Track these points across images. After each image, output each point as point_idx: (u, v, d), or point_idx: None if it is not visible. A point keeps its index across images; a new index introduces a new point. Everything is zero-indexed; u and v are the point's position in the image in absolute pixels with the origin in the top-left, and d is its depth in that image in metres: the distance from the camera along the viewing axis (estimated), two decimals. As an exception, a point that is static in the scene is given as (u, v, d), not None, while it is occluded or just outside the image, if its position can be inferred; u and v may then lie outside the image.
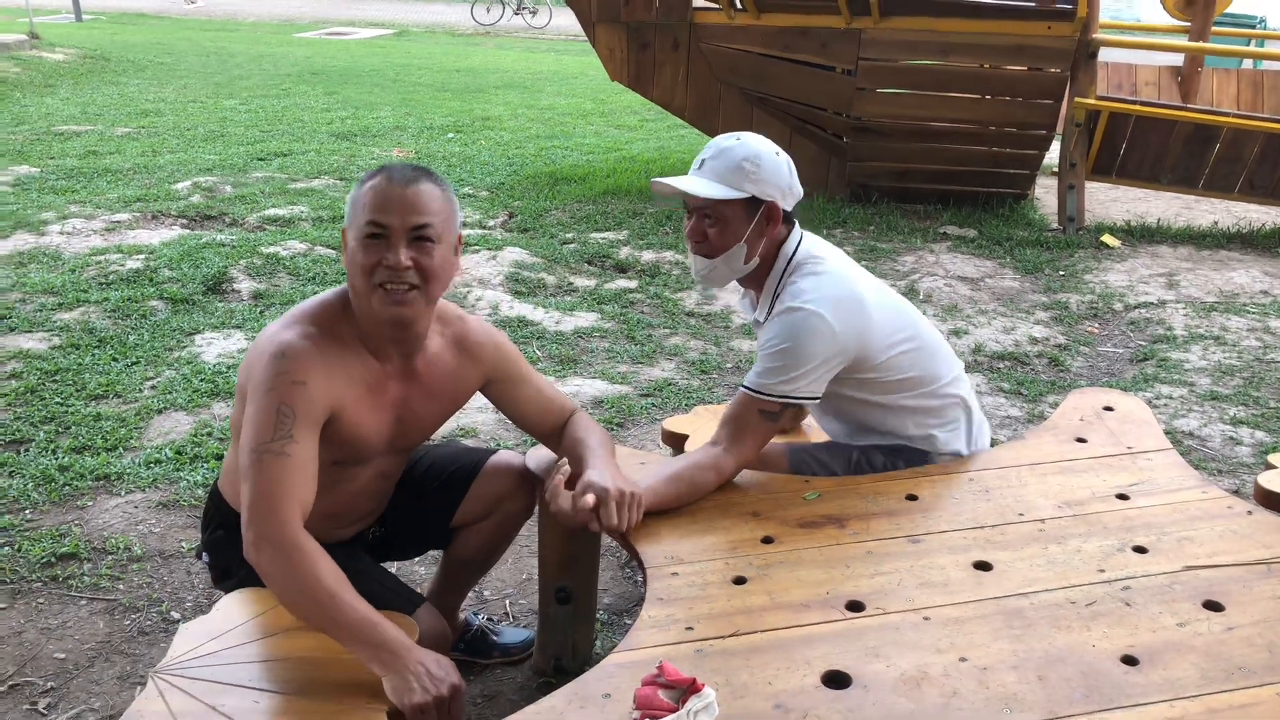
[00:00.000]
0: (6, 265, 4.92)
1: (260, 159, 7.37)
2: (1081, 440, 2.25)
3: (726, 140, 2.07)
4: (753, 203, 2.05)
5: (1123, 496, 2.02)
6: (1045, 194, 6.79)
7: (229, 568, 1.97)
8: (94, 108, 9.32)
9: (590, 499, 1.84)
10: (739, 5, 5.93)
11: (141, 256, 5.00)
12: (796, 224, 2.17)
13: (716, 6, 6.05)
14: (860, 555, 1.83)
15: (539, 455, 2.17)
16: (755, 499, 2.01)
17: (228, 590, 1.96)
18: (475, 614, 2.41)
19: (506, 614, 2.57)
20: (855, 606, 1.69)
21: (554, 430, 2.09)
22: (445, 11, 24.24)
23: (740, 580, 1.75)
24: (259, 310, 4.44)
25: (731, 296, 4.81)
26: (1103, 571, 1.78)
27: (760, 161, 2.03)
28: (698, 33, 6.16)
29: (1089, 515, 1.96)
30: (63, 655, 2.37)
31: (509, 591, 2.66)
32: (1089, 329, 4.60)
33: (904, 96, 6.02)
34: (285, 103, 9.97)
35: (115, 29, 17.81)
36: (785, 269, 2.12)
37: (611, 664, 1.55)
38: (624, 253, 5.37)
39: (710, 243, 2.08)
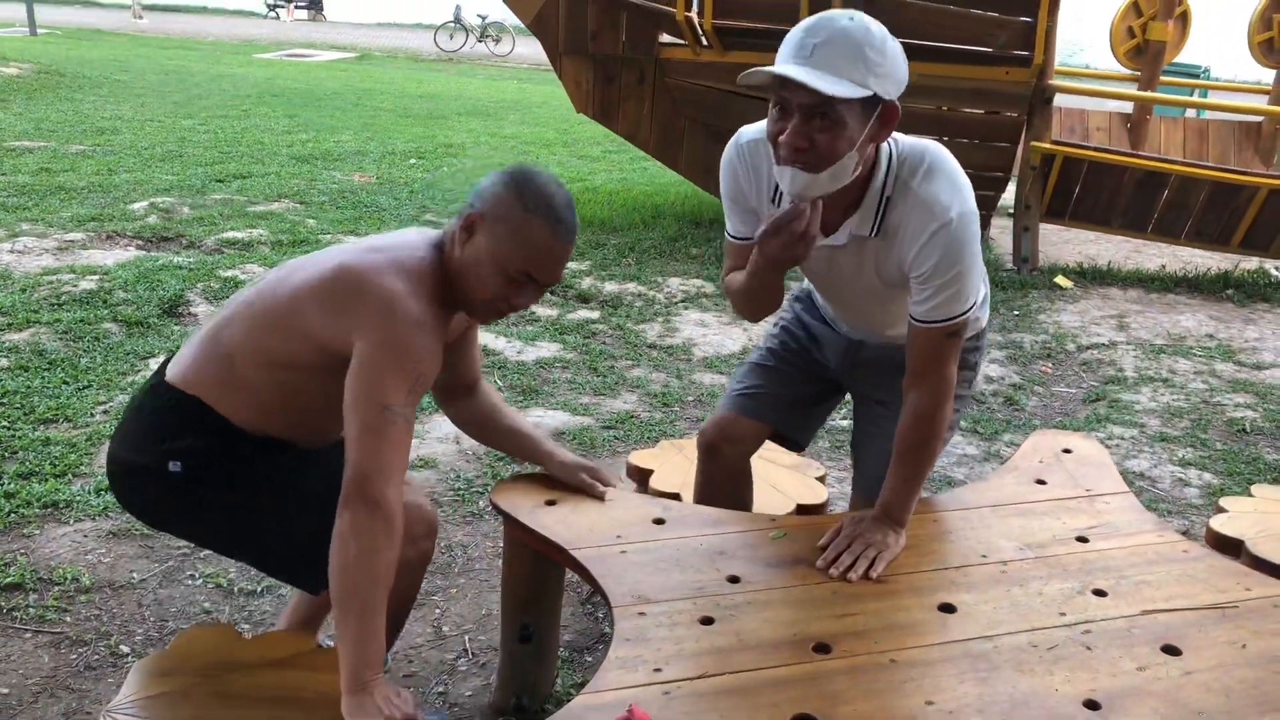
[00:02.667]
0: (-46, 283, 4.81)
1: (219, 180, 7.30)
2: (1041, 482, 2.28)
3: (839, 19, 1.69)
4: (871, 101, 1.71)
5: (1082, 539, 2.05)
6: (1001, 234, 6.91)
7: (203, 479, 1.83)
8: (48, 124, 9.17)
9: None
10: (704, 42, 6.00)
11: (95, 277, 4.91)
12: None
13: (683, 42, 6.11)
14: (826, 596, 1.84)
15: (509, 495, 2.13)
16: (720, 538, 2.01)
17: (176, 511, 1.86)
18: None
19: (466, 650, 2.54)
20: (822, 649, 1.69)
21: (470, 386, 2.14)
22: (407, 37, 24.23)
23: (708, 620, 1.75)
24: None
25: (694, 329, 4.83)
26: (1064, 615, 1.80)
27: (885, 50, 1.70)
28: (664, 67, 6.22)
29: (1050, 557, 1.98)
30: (5, 690, 2.30)
31: (468, 628, 2.63)
32: (1043, 369, 4.68)
33: (864, 136, 6.10)
34: (245, 124, 9.89)
35: (71, 44, 17.59)
36: (889, 170, 1.85)
37: (579, 705, 1.54)
38: (586, 283, 5.38)
39: (819, 151, 1.71)
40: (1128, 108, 8.01)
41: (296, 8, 28.30)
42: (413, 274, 1.75)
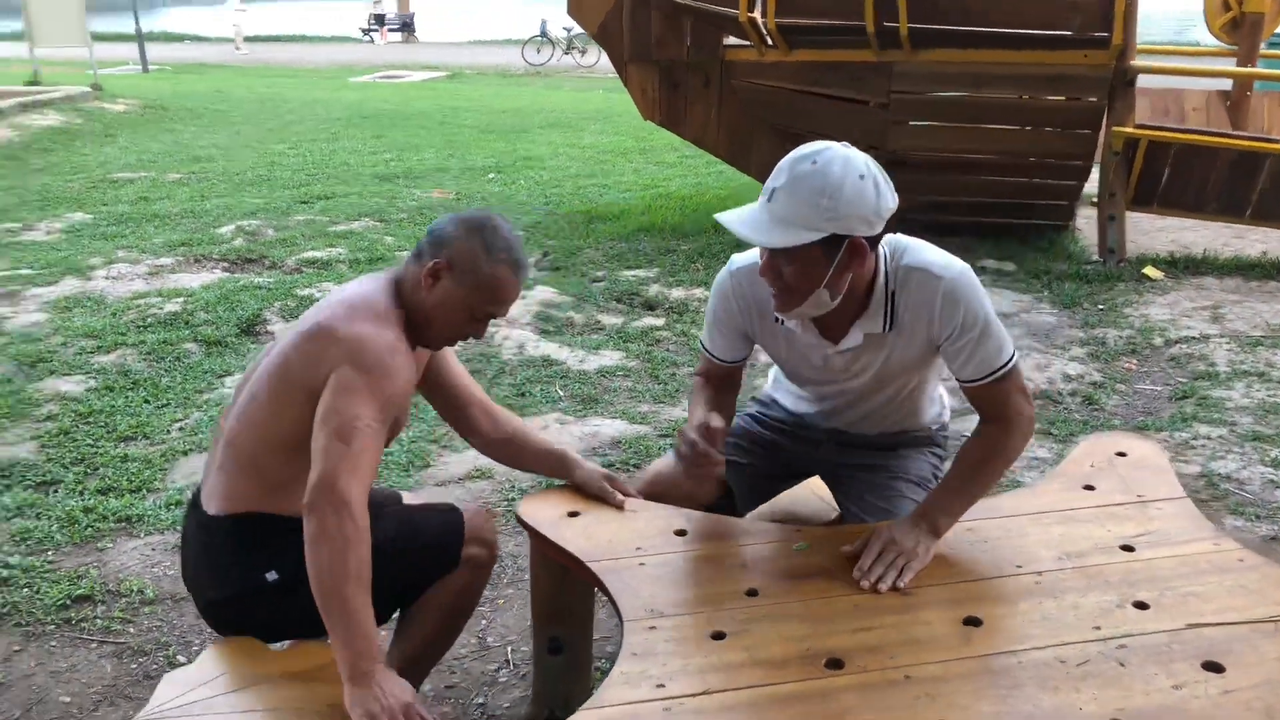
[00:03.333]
0: (51, 310, 5.06)
1: (304, 202, 7.52)
2: (1089, 488, 2.17)
3: (803, 164, 1.77)
4: (834, 239, 1.79)
5: (1127, 548, 1.95)
6: (1088, 225, 6.66)
7: (300, 572, 1.82)
8: (149, 155, 9.60)
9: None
10: (769, 42, 5.93)
11: (180, 300, 5.11)
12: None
13: (747, 43, 6.06)
14: (847, 610, 1.78)
15: (533, 508, 2.13)
16: (744, 550, 1.97)
17: (293, 613, 1.87)
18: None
19: (508, 661, 2.55)
20: (835, 664, 1.64)
21: (486, 414, 2.20)
22: (496, 53, 24.65)
23: (719, 635, 1.71)
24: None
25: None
26: (1098, 629, 1.71)
27: (840, 194, 1.74)
28: (729, 70, 6.17)
29: (1090, 568, 1.89)
30: (68, 699, 2.39)
31: (512, 639, 2.64)
32: (1126, 365, 4.48)
33: (938, 129, 5.97)
34: (333, 146, 10.18)
35: (178, 79, 18.40)
36: (888, 275, 1.93)
37: (579, 722, 1.52)
38: (653, 290, 5.36)
39: (788, 285, 1.85)
40: (1228, 85, 7.63)
41: (390, 31, 29.06)
42: (379, 317, 1.88)
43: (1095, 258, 5.95)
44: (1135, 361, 4.53)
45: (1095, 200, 6.18)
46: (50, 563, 2.93)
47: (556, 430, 3.74)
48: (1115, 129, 5.58)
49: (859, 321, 1.97)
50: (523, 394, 4.07)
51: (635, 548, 1.97)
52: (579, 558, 1.94)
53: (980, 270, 5.70)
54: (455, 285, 1.90)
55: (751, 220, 1.82)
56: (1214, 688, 1.57)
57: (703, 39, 6.14)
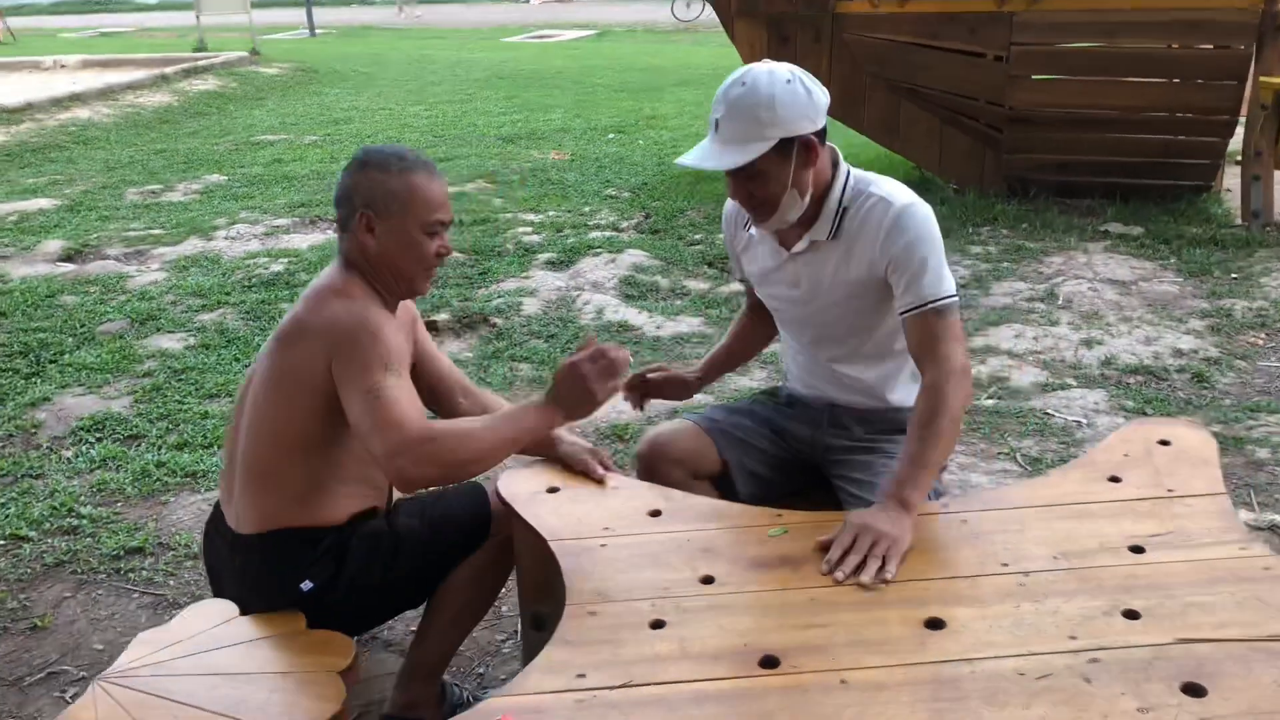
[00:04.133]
0: (171, 269, 5.34)
1: (424, 164, 7.67)
2: (1115, 479, 1.98)
3: (733, 89, 1.89)
4: (784, 143, 1.89)
5: (1137, 549, 1.76)
6: (1231, 184, 6.10)
7: (335, 577, 1.94)
8: (291, 118, 10.00)
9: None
10: (882, -7, 5.65)
11: (286, 260, 5.30)
12: (833, 152, 2.03)
13: (859, -5, 5.80)
14: (802, 602, 1.67)
15: (512, 482, 2.10)
16: (715, 534, 1.88)
17: (338, 615, 1.94)
18: (457, 686, 2.30)
19: (516, 632, 2.54)
20: (769, 663, 1.54)
21: (466, 395, 2.22)
22: (648, 10, 24.50)
23: (659, 624, 1.64)
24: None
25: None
26: (1074, 639, 1.55)
27: (774, 102, 1.86)
28: (841, 23, 5.92)
29: (1086, 570, 1.71)
30: (101, 647, 2.52)
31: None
32: (1251, 340, 4.09)
33: (1062, 83, 5.57)
34: (466, 107, 10.35)
35: (339, 42, 19.08)
36: (845, 187, 2.03)
37: (485, 708, 1.48)
38: (748, 254, 5.22)
39: (760, 201, 1.97)
40: None
41: (545, -10, 29.28)
42: (339, 293, 1.88)
43: (1239, 222, 5.44)
44: (1263, 336, 4.13)
45: (1240, 159, 5.65)
46: (117, 514, 3.10)
47: (615, 400, 3.69)
48: (1263, 80, 5.06)
49: (810, 230, 2.06)
50: (591, 359, 4.03)
51: (603, 528, 1.91)
52: (543, 535, 1.90)
53: (1101, 235, 5.32)
54: (388, 219, 1.88)
55: (705, 152, 1.94)
56: (1188, 713, 1.40)
57: (812, -8, 5.90)
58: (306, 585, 1.94)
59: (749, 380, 3.84)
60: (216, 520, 2.07)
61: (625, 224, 5.91)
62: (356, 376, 1.80)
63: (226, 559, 2.02)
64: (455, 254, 5.32)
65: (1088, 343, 4.02)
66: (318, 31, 21.24)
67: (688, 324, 4.39)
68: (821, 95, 1.94)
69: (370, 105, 10.69)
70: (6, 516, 3.08)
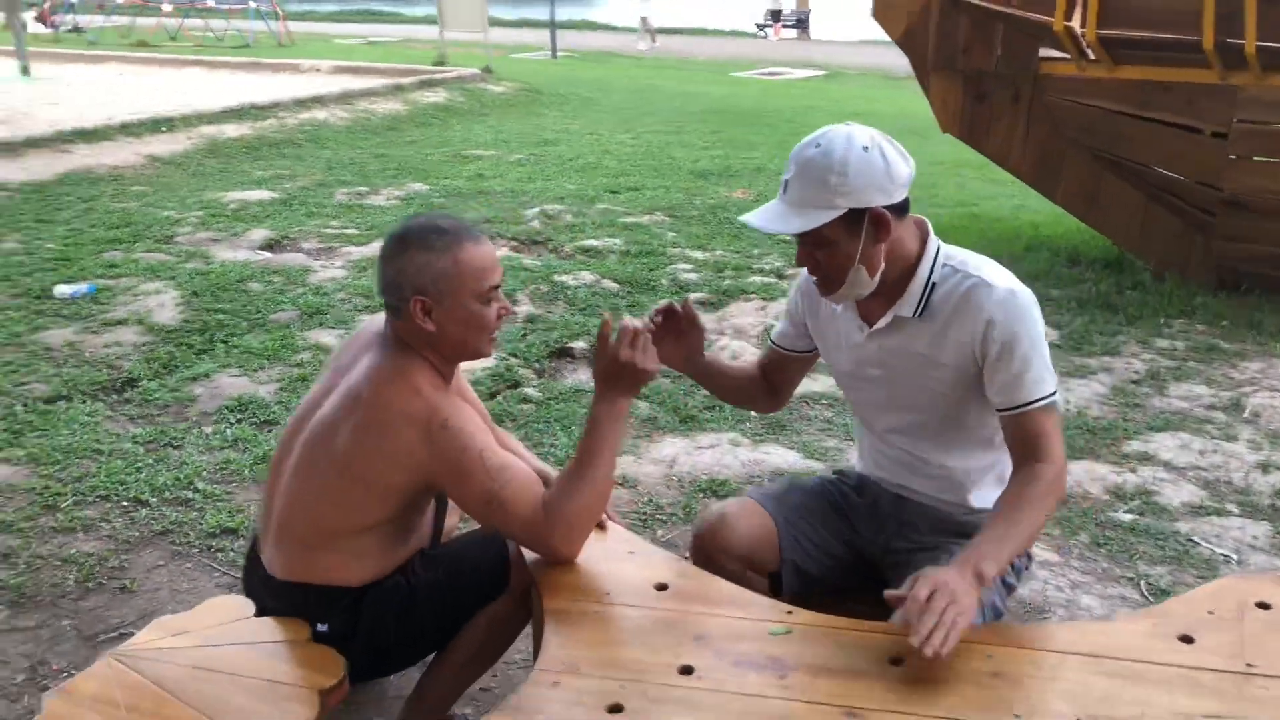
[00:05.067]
0: (351, 269, 5.65)
1: (612, 191, 7.80)
2: (1186, 639, 1.72)
3: (808, 150, 1.83)
4: (854, 214, 1.81)
5: (1179, 725, 1.53)
6: None
7: (354, 625, 1.97)
8: (504, 135, 10.41)
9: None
10: (1090, 55, 5.29)
11: (452, 272, 5.49)
12: (920, 224, 1.94)
13: (1065, 55, 5.44)
14: (774, 716, 1.55)
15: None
16: (710, 619, 1.77)
17: (358, 658, 1.94)
18: (464, 717, 2.28)
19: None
20: (713, 775, 1.43)
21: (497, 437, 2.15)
22: (884, 54, 24.06)
23: (616, 709, 1.56)
24: (521, 334, 4.69)
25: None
26: (1062, 817, 1.35)
27: (847, 168, 1.78)
28: (1043, 84, 5.58)
29: (1109, 738, 1.50)
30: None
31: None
32: None
33: (1290, 169, 5.02)
34: (671, 139, 10.47)
35: (576, 66, 19.78)
36: (935, 261, 1.91)
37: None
38: (908, 318, 4.99)
39: (825, 270, 1.88)
40: None
41: (784, 27, 29.38)
42: (408, 380, 1.88)
43: None
44: None
45: None
46: (228, 494, 3.27)
47: (721, 452, 3.60)
48: None
49: (894, 306, 1.94)
50: (711, 407, 3.95)
51: (605, 593, 1.85)
52: (540, 591, 1.85)
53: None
54: (442, 300, 1.87)
55: (771, 213, 1.87)
56: None
57: (1015, 49, 5.59)
58: (322, 627, 1.95)
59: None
60: (255, 550, 2.11)
61: (790, 270, 5.78)
62: (464, 489, 1.87)
63: (258, 588, 2.06)
64: (609, 283, 5.38)
65: (1265, 466, 3.58)
66: (560, 54, 22.10)
67: (822, 383, 4.23)
68: (904, 167, 1.84)
69: (580, 129, 10.99)
70: (137, 480, 3.31)
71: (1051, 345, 4.64)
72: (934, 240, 1.94)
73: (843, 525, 2.17)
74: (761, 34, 29.54)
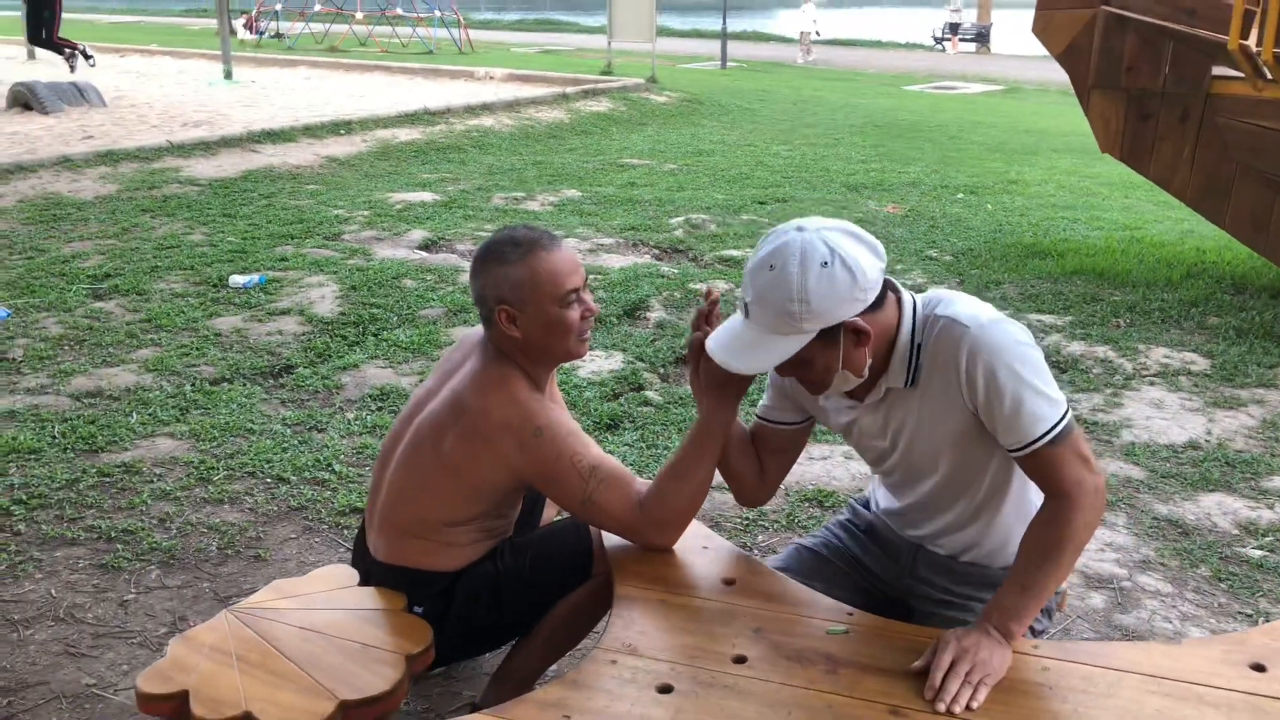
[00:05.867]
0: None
1: (760, 202, 7.85)
2: (1259, 668, 1.68)
3: (760, 274, 1.69)
4: (828, 330, 1.69)
5: (1233, 756, 1.50)
6: None
7: (446, 609, 2.11)
8: (661, 145, 10.60)
9: None
10: (1267, 75, 5.01)
11: (593, 278, 5.67)
12: (893, 289, 1.78)
13: (1240, 75, 5.18)
14: (818, 708, 1.60)
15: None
16: (772, 615, 1.83)
17: (449, 639, 2.10)
18: None
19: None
20: (746, 758, 1.50)
21: None
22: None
23: (666, 689, 1.64)
24: (650, 339, 4.81)
25: (1141, 408, 4.13)
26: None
27: (807, 294, 1.64)
28: (1213, 104, 5.32)
29: (1154, 762, 1.49)
30: (295, 584, 2.89)
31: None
32: None
33: None
34: (827, 151, 10.42)
35: (742, 76, 19.88)
36: (914, 330, 1.79)
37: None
38: (1051, 339, 4.86)
39: (811, 382, 1.80)
40: None
41: (962, 40, 28.64)
42: (505, 387, 2.00)
43: None
44: None
45: None
46: (360, 475, 3.51)
47: (833, 464, 3.62)
48: None
49: (883, 379, 1.84)
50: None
51: (674, 583, 1.93)
52: (614, 577, 1.95)
53: None
54: (524, 308, 1.99)
55: (737, 344, 1.76)
56: None
57: (1184, 68, 5.35)
58: (419, 609, 2.09)
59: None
60: (363, 532, 2.29)
61: (930, 287, 5.70)
62: (560, 492, 2.00)
63: (362, 565, 2.23)
64: (730, 287, 5.44)
65: None
66: (729, 64, 22.25)
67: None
68: (872, 264, 1.68)
69: (737, 140, 11.07)
70: (281, 459, 3.59)
71: (1200, 374, 4.52)
72: (906, 297, 1.80)
73: (856, 575, 2.12)
74: (938, 47, 28.90)
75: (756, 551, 3.08)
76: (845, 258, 1.66)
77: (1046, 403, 1.72)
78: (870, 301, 1.71)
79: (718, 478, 2.05)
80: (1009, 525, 1.92)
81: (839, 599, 1.92)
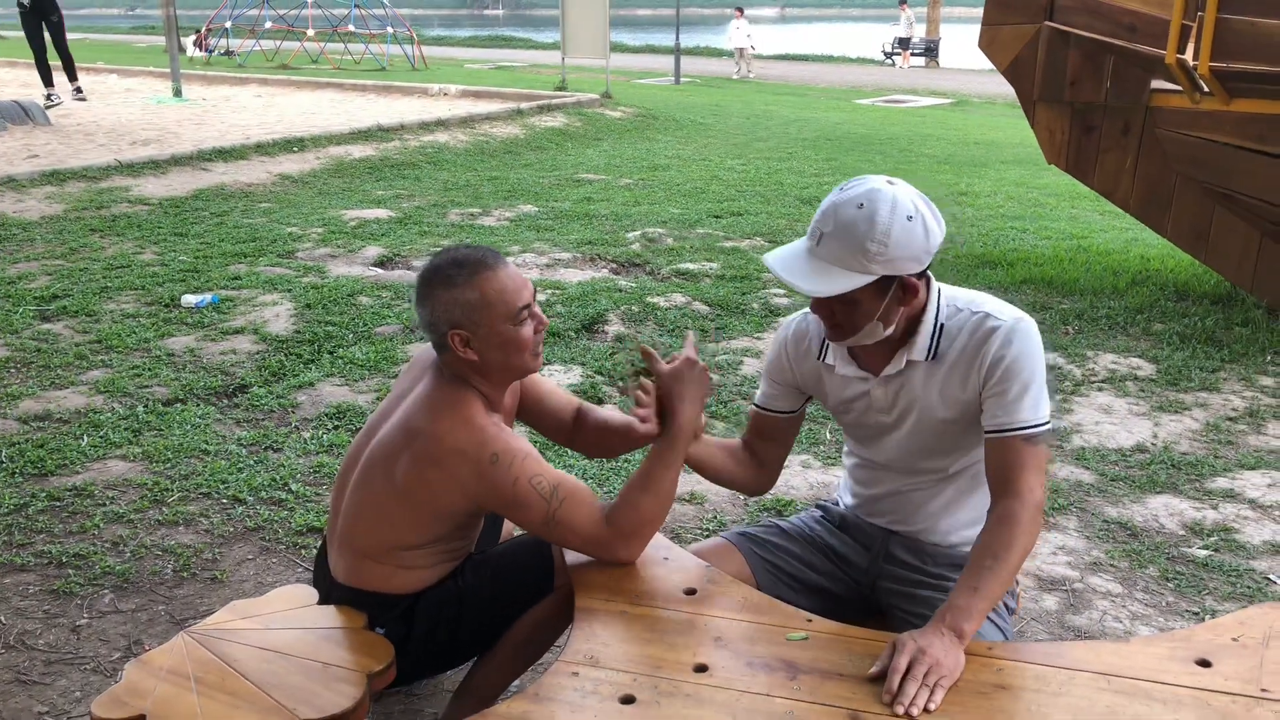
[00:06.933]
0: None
1: (715, 216, 7.91)
2: (1204, 663, 1.73)
3: (847, 208, 1.78)
4: (884, 279, 1.81)
5: (1180, 749, 1.54)
6: None
7: (408, 630, 2.10)
8: (616, 160, 10.64)
9: None
10: (1205, 88, 5.15)
11: (549, 292, 5.68)
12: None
13: (1177, 88, 5.32)
14: (780, 714, 1.62)
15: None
16: (731, 623, 1.85)
17: (410, 659, 2.10)
18: None
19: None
20: (709, 765, 1.51)
21: (581, 412, 2.34)
22: (1012, 82, 23.57)
23: (628, 700, 1.66)
24: (608, 353, 4.83)
25: (1091, 414, 4.22)
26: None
27: (889, 238, 1.75)
28: (1154, 117, 5.46)
29: (1105, 757, 1.52)
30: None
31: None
32: None
33: None
34: (781, 166, 10.52)
35: (695, 91, 20.01)
36: (939, 308, 1.93)
37: (431, 737, 1.57)
38: (999, 348, 4.94)
39: (840, 324, 1.88)
40: None
41: (912, 55, 29.07)
42: (459, 411, 1.98)
43: None
44: None
45: None
46: (317, 495, 3.49)
47: (791, 473, 3.66)
48: None
49: (905, 351, 1.94)
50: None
51: (635, 594, 1.95)
52: (574, 587, 1.96)
53: None
54: (477, 329, 1.97)
55: (799, 266, 1.84)
56: None
57: (1125, 82, 5.49)
58: (380, 630, 2.09)
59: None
60: (323, 553, 2.27)
61: (885, 299, 5.78)
62: (521, 516, 1.99)
63: (324, 591, 2.21)
64: (700, 305, 5.48)
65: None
66: (683, 79, 22.41)
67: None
68: (939, 234, 1.82)
69: (692, 155, 11.15)
70: (237, 480, 3.56)
71: (1146, 379, 4.62)
72: (935, 282, 1.94)
73: (825, 563, 2.18)
74: (889, 61, 29.31)
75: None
76: (926, 219, 1.80)
77: (1045, 403, 1.87)
78: (925, 266, 1.84)
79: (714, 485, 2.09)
80: (980, 512, 1.99)
81: (803, 574, 2.08)
